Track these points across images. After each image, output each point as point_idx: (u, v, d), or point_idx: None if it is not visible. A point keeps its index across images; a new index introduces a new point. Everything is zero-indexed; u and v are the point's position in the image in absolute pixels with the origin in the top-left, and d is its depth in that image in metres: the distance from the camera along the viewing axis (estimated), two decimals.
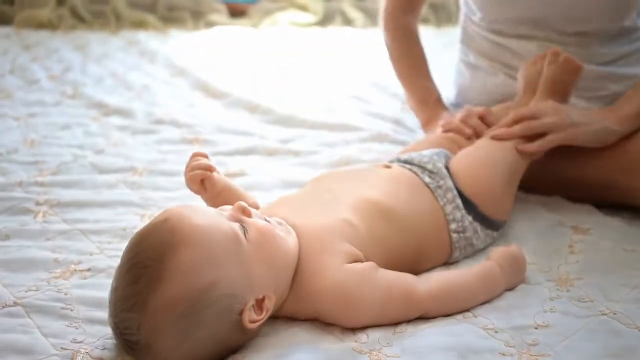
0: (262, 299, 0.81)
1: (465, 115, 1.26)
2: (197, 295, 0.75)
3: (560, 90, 1.22)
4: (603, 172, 1.19)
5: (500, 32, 1.38)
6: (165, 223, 0.79)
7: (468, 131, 1.24)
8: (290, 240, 0.87)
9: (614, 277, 0.98)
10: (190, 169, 0.97)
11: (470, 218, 1.04)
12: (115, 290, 0.77)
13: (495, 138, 1.17)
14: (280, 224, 0.88)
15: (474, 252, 1.06)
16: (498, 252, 0.97)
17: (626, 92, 1.24)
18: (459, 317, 0.88)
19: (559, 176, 1.24)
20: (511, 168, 1.14)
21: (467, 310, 0.90)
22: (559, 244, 1.09)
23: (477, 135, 1.23)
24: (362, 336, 0.84)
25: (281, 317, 0.88)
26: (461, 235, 1.03)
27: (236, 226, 0.82)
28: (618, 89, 1.32)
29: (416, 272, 0.96)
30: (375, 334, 0.84)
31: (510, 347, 0.82)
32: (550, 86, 1.22)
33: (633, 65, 1.35)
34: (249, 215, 0.85)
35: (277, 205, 1.00)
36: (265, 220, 0.87)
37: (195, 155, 0.99)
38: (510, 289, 0.96)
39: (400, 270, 0.91)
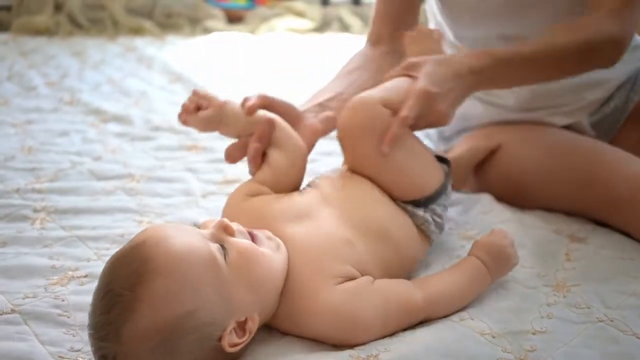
0: (245, 321, 0.78)
1: None
2: (172, 326, 0.73)
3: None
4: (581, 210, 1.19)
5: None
6: (142, 247, 0.75)
7: None
8: (276, 258, 0.83)
9: (611, 284, 0.98)
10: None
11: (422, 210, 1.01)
12: (91, 314, 0.75)
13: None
14: (269, 239, 0.85)
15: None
16: (480, 245, 0.96)
17: None
18: (456, 319, 0.89)
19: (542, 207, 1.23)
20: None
21: (463, 310, 0.91)
22: (555, 251, 1.09)
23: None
24: None
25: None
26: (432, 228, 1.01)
27: (215, 248, 0.78)
28: (596, 96, 1.29)
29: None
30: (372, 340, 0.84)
31: (508, 352, 0.82)
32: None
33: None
34: (231, 233, 0.81)
35: (273, 208, 0.93)
36: (252, 235, 0.84)
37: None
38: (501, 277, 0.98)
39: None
